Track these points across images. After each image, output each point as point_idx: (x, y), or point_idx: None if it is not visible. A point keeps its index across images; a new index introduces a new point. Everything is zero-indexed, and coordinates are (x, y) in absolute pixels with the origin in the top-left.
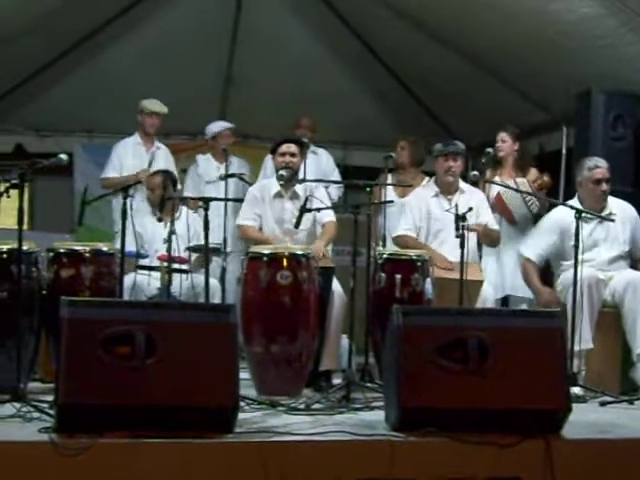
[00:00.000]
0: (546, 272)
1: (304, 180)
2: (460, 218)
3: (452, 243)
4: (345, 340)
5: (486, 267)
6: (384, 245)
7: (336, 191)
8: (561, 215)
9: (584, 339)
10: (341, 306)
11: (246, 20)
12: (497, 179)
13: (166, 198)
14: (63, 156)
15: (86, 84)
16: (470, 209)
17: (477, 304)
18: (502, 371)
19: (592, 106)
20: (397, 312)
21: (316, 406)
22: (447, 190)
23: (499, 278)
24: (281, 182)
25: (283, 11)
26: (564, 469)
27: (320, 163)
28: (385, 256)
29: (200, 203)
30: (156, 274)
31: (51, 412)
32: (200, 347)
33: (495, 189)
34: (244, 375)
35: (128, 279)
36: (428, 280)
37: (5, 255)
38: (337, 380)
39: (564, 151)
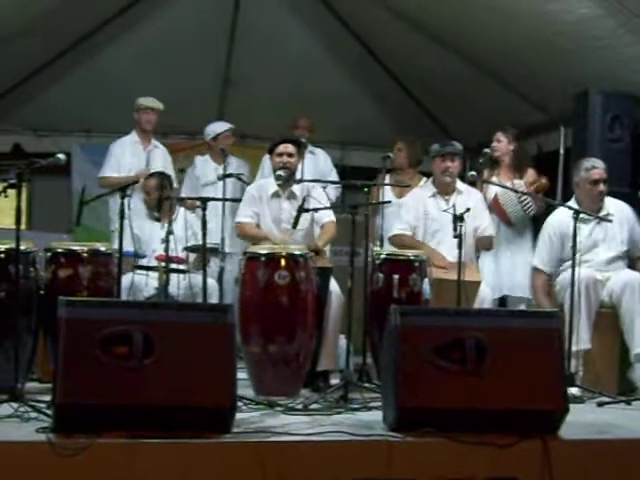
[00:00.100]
0: None
1: (302, 180)
2: (458, 218)
3: (449, 243)
4: (343, 340)
5: (483, 267)
6: (382, 245)
7: (334, 191)
8: (560, 218)
9: (582, 339)
10: (339, 306)
11: (244, 20)
12: (494, 179)
13: (164, 198)
14: (61, 156)
15: (84, 84)
16: (468, 209)
17: (475, 305)
18: (500, 371)
19: (590, 107)
20: (395, 312)
21: (314, 406)
22: (444, 190)
23: (496, 278)
24: (279, 182)
25: (281, 11)
26: (561, 469)
27: (318, 163)
28: (383, 256)
29: (198, 203)
30: (154, 274)
31: (49, 412)
32: (198, 347)
33: (492, 189)
34: (242, 375)
35: (126, 279)
36: (426, 280)
37: (3, 255)
38: (335, 380)
39: (562, 151)
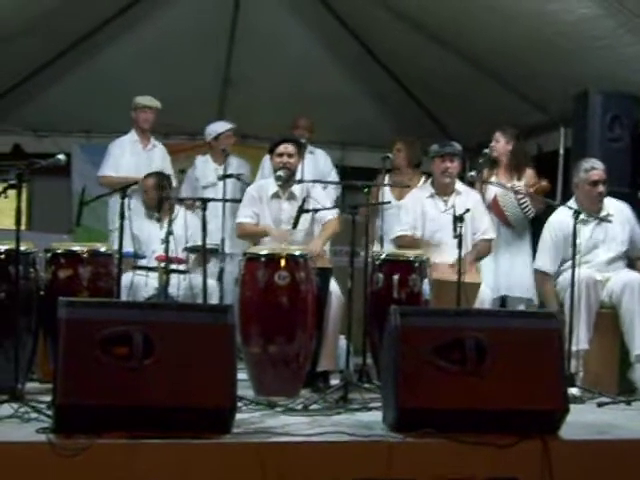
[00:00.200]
0: None
1: (302, 181)
2: (458, 219)
3: (449, 244)
4: (343, 341)
5: (482, 268)
6: (382, 246)
7: (334, 192)
8: (560, 218)
9: (581, 340)
10: (339, 307)
11: (244, 20)
12: (493, 179)
13: (164, 198)
14: (61, 156)
15: (84, 84)
16: (467, 210)
17: (475, 306)
18: (500, 372)
19: (589, 107)
20: (395, 313)
21: (314, 407)
22: (443, 191)
23: (495, 279)
24: (279, 182)
25: (281, 10)
26: (561, 470)
27: (318, 163)
28: (383, 257)
29: (197, 204)
30: (154, 274)
31: (49, 412)
32: (198, 348)
33: (492, 190)
34: (242, 376)
35: (126, 279)
36: (426, 281)
37: (3, 255)
38: (335, 381)
39: (562, 151)
